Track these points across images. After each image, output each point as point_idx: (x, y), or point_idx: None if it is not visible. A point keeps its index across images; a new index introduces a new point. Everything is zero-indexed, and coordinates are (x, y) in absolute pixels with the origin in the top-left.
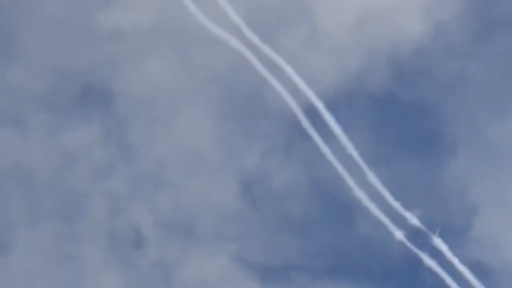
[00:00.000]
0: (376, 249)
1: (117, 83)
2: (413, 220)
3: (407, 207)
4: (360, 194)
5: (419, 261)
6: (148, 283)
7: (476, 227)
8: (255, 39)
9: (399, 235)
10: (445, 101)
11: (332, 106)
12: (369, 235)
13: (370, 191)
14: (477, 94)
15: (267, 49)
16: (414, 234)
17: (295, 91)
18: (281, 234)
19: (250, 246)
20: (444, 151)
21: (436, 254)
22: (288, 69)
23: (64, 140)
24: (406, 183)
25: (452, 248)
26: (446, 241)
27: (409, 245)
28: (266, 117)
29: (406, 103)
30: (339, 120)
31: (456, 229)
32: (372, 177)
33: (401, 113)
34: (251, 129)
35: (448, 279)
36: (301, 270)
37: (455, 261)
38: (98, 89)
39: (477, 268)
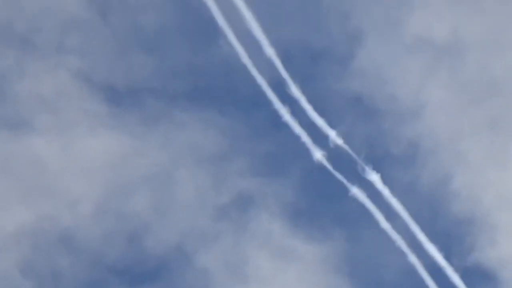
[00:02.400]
0: (241, 72)
1: None
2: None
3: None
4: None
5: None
6: None
7: (359, 57)
8: None
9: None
10: None
11: None
12: (233, 56)
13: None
14: None
15: None
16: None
17: None
18: (133, 50)
19: (96, 62)
20: None
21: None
22: None
23: None
24: (282, 8)
25: (333, 81)
26: (326, 69)
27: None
28: None
29: None
30: None
31: (337, 58)
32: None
33: None
34: None
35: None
36: (155, 93)
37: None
38: None
39: (358, 103)
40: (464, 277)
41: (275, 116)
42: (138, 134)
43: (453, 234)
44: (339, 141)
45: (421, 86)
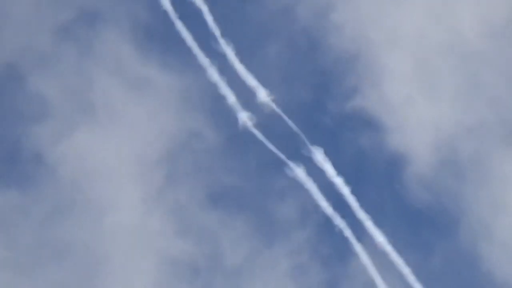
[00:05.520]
0: None
1: None
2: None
3: None
4: None
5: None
6: None
7: None
8: None
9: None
10: None
11: None
12: None
13: None
14: None
15: None
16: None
17: None
18: None
19: None
20: None
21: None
22: None
23: None
24: None
25: None
26: None
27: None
28: None
29: None
30: None
31: None
32: None
33: None
34: None
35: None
36: None
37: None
38: None
39: None
40: (342, 122)
41: None
42: None
43: (333, 73)
44: None
45: None
